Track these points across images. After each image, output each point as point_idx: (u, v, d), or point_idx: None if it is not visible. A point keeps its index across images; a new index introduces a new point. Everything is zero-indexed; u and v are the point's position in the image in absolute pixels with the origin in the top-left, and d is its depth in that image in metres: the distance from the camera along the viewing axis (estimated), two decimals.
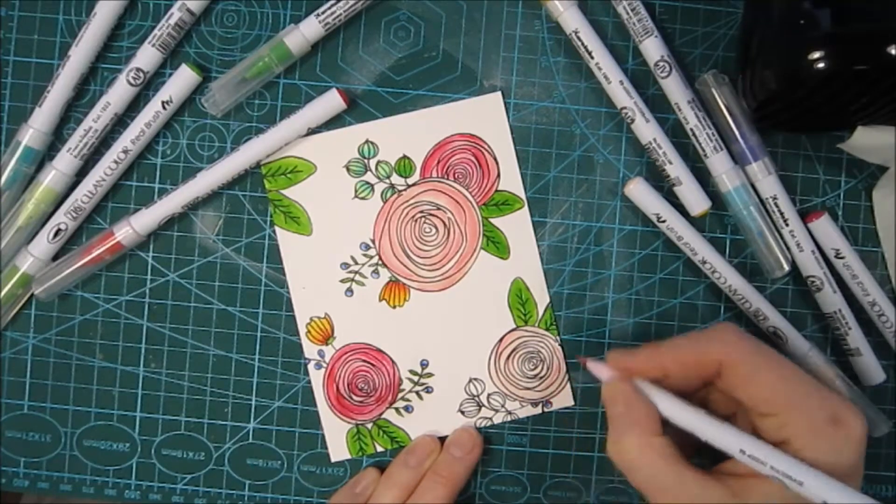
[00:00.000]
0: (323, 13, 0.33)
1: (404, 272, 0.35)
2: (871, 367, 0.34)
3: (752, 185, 0.34)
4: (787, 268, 0.33)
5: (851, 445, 0.25)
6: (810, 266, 0.34)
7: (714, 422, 0.26)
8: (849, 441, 0.25)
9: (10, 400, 0.36)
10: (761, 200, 0.34)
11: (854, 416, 0.26)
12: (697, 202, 0.33)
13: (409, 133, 0.35)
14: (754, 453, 0.25)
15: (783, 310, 0.35)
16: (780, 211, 0.33)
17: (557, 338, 0.35)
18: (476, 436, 0.35)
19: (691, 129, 0.33)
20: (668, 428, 0.27)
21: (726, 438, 0.26)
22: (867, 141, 0.32)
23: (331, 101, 0.33)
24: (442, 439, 0.35)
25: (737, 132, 0.33)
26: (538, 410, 0.36)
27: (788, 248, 0.34)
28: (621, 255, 0.35)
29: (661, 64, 0.33)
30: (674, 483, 0.26)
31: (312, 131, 0.34)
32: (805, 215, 0.34)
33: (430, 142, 0.35)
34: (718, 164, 0.33)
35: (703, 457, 0.28)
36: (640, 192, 0.33)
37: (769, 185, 0.33)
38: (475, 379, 0.35)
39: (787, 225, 0.34)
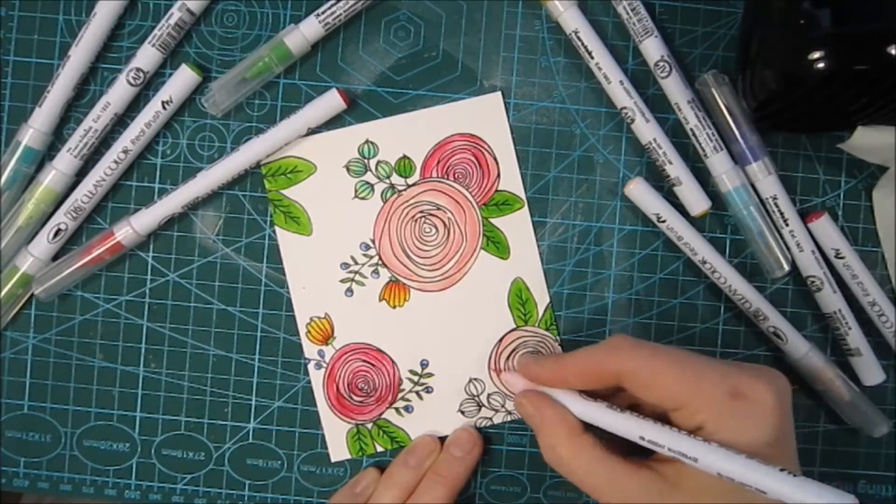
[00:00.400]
0: (323, 13, 0.33)
1: (404, 272, 0.35)
2: (871, 367, 0.34)
3: (752, 185, 0.34)
4: (786, 268, 0.33)
5: (760, 414, 0.25)
6: (810, 266, 0.34)
7: (614, 413, 0.28)
8: (756, 410, 0.25)
9: (10, 400, 0.36)
10: (761, 200, 0.34)
11: (758, 385, 0.25)
12: (697, 202, 0.33)
13: (409, 133, 0.35)
14: (652, 437, 0.26)
15: (783, 310, 0.35)
16: (780, 211, 0.33)
17: (557, 338, 0.35)
18: (476, 436, 0.35)
19: (691, 129, 0.33)
20: (597, 430, 0.28)
21: (626, 426, 0.27)
22: (867, 141, 0.32)
23: (331, 101, 0.33)
24: (442, 439, 0.35)
25: (737, 132, 0.33)
26: None
27: (788, 248, 0.34)
28: (621, 255, 0.35)
29: (661, 64, 0.33)
30: (607, 476, 0.26)
31: (312, 131, 0.34)
32: (805, 215, 0.34)
33: (430, 142, 0.35)
34: (718, 164, 0.33)
35: (644, 454, 0.28)
36: (640, 192, 0.33)
37: (769, 185, 0.33)
38: (475, 379, 0.35)
39: (787, 225, 0.34)
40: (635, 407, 0.30)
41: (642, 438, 0.26)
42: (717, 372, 0.26)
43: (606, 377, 0.28)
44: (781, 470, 0.23)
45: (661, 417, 0.28)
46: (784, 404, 0.26)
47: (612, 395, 0.30)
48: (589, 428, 0.28)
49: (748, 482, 0.24)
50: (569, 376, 0.29)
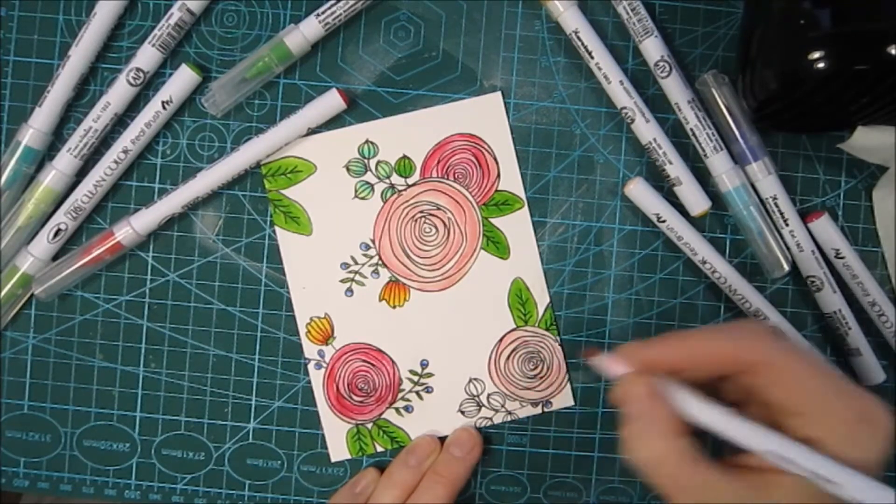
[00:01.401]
0: (323, 13, 0.33)
1: (404, 272, 0.35)
2: (871, 367, 0.34)
3: (752, 185, 0.34)
4: (786, 268, 0.33)
5: (879, 443, 0.25)
6: (810, 266, 0.34)
7: (743, 423, 0.25)
8: (876, 439, 0.25)
9: (10, 400, 0.36)
10: (761, 200, 0.34)
11: (882, 414, 0.25)
12: (697, 202, 0.33)
13: (409, 133, 0.35)
14: (787, 455, 0.25)
15: (783, 310, 0.35)
16: (780, 211, 0.33)
17: (557, 338, 0.35)
18: (476, 435, 0.35)
19: (691, 129, 0.33)
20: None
21: (757, 440, 0.25)
22: (867, 141, 0.32)
23: (331, 101, 0.33)
24: (442, 439, 0.35)
25: (736, 132, 0.33)
26: (538, 410, 0.35)
27: (788, 248, 0.34)
28: (621, 255, 0.35)
29: (661, 64, 0.33)
30: (699, 485, 0.25)
31: (312, 131, 0.34)
32: (805, 215, 0.34)
33: (430, 142, 0.35)
34: (718, 164, 0.33)
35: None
36: (640, 192, 0.33)
37: (769, 185, 0.33)
38: (475, 379, 0.35)
39: (787, 225, 0.34)
40: (720, 397, 0.28)
41: (772, 454, 0.25)
42: (849, 392, 0.25)
43: (732, 365, 0.26)
44: None
45: (766, 418, 0.27)
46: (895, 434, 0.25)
47: (704, 385, 0.28)
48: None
49: None
50: (696, 356, 0.27)
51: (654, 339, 0.27)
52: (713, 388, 0.29)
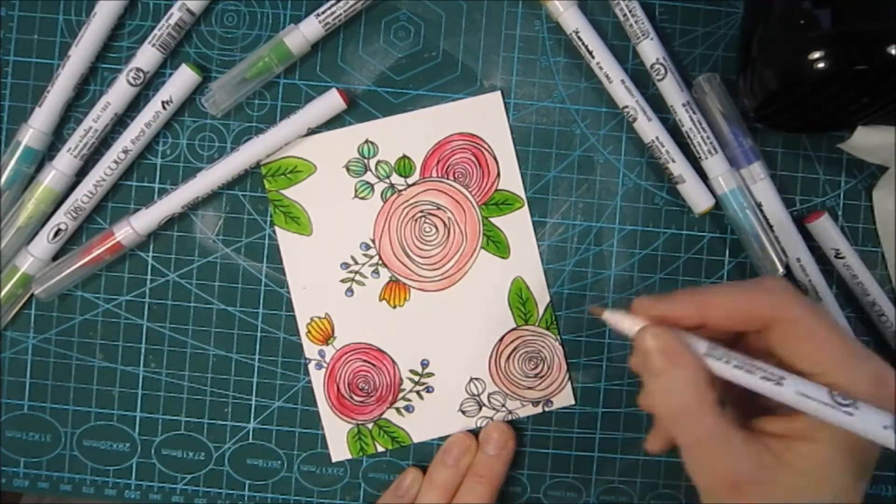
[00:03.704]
0: (323, 13, 0.33)
1: (404, 272, 0.35)
2: None
3: (748, 188, 0.34)
4: (782, 270, 0.33)
5: (891, 406, 0.24)
6: (795, 273, 0.34)
7: (760, 377, 0.25)
8: (889, 402, 0.24)
9: (10, 400, 0.36)
10: (757, 203, 0.34)
11: (893, 376, 0.25)
12: (701, 200, 0.33)
13: (409, 133, 0.35)
14: (806, 391, 0.24)
15: None
16: (764, 217, 0.33)
17: (558, 337, 0.35)
18: (507, 430, 0.35)
19: (686, 132, 0.33)
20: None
21: (776, 392, 0.24)
22: (867, 141, 0.32)
23: (331, 101, 0.33)
24: (443, 439, 0.35)
25: (730, 136, 0.33)
26: (539, 410, 0.36)
27: (785, 252, 0.34)
28: (621, 255, 0.35)
29: (657, 67, 0.33)
30: (721, 443, 0.24)
31: (312, 131, 0.34)
32: (805, 215, 0.34)
33: (429, 141, 0.35)
34: (714, 166, 0.33)
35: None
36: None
37: (758, 191, 0.33)
38: (476, 378, 0.35)
39: (772, 230, 0.34)
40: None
41: (801, 394, 0.24)
42: (865, 354, 0.25)
43: (756, 318, 0.26)
44: None
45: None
46: None
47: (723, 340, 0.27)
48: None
49: None
50: (713, 311, 0.26)
51: (669, 295, 0.27)
52: (729, 345, 0.28)
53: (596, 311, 0.28)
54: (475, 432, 0.35)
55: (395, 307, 0.35)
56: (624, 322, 0.27)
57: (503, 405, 0.35)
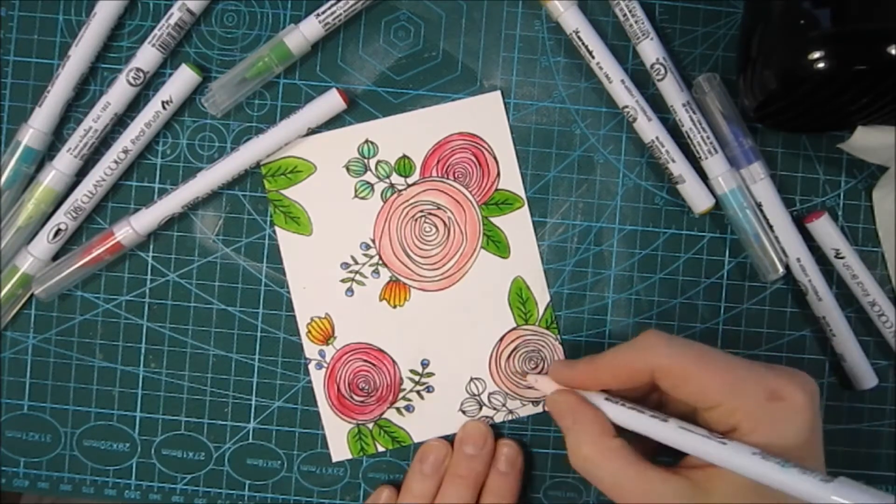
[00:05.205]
0: (323, 13, 0.33)
1: (405, 272, 0.35)
2: (860, 373, 0.34)
3: (748, 188, 0.34)
4: (781, 270, 0.33)
5: (796, 416, 0.25)
6: (796, 273, 0.34)
7: (645, 416, 0.27)
8: (792, 412, 0.25)
9: (10, 400, 0.36)
10: (757, 203, 0.34)
11: (793, 387, 0.25)
12: (701, 200, 0.33)
13: (409, 133, 0.35)
14: (677, 440, 0.26)
15: (782, 310, 0.35)
16: (764, 216, 0.33)
17: (558, 337, 0.35)
18: (486, 429, 0.35)
19: (686, 132, 0.33)
20: (625, 433, 0.28)
21: (659, 429, 0.27)
22: (867, 141, 0.32)
23: (331, 101, 0.33)
24: (443, 438, 0.35)
25: (730, 136, 0.33)
26: (539, 409, 0.36)
27: (785, 252, 0.34)
28: (621, 255, 0.35)
29: (657, 67, 0.33)
30: (637, 482, 0.26)
31: (312, 131, 0.34)
32: (805, 215, 0.35)
33: (429, 141, 0.35)
34: (714, 166, 0.33)
35: (668, 455, 0.28)
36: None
37: (758, 190, 0.33)
38: (476, 378, 0.35)
39: (772, 231, 0.34)
40: (665, 407, 0.29)
41: (678, 437, 0.26)
42: (754, 372, 0.26)
43: (640, 374, 0.27)
44: (822, 479, 0.22)
45: (691, 417, 0.27)
46: (816, 405, 0.26)
47: (645, 397, 0.30)
48: (620, 433, 0.28)
49: (794, 491, 0.23)
50: (603, 376, 0.28)
51: (575, 362, 0.30)
52: (659, 402, 0.30)
53: (525, 375, 0.33)
54: None
55: (395, 307, 0.35)
56: (543, 385, 0.31)
57: (503, 405, 0.35)
